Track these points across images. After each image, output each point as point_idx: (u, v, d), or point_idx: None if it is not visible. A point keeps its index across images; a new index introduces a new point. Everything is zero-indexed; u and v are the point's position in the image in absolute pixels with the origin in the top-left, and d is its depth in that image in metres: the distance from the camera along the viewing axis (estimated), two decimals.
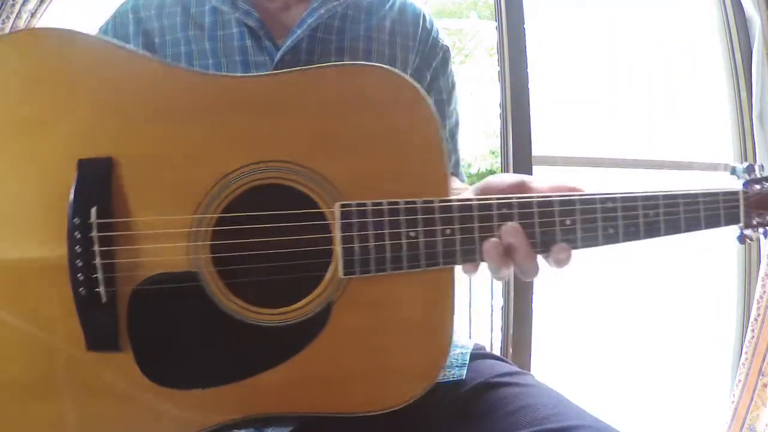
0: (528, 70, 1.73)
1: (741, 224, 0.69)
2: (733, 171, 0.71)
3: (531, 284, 1.69)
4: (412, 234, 0.61)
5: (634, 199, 0.64)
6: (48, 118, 0.62)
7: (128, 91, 0.64)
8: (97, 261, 0.60)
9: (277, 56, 0.76)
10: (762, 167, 0.72)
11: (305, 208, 0.62)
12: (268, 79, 0.66)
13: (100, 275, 0.60)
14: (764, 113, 1.83)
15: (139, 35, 0.79)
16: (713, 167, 2.02)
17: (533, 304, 1.69)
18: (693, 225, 0.66)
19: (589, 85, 2.02)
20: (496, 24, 1.79)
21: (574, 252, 0.63)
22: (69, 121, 0.63)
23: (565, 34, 2.04)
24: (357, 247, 0.61)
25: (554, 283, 1.85)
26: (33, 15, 1.39)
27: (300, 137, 0.62)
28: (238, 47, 0.77)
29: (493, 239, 0.61)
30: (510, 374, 0.73)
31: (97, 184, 0.61)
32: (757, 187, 0.70)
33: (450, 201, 0.61)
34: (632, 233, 0.64)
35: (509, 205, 0.62)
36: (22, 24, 1.38)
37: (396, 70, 0.62)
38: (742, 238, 0.71)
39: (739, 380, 1.76)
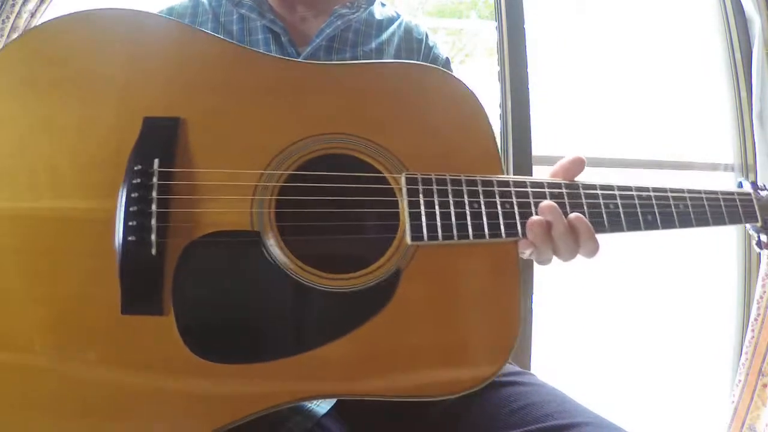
0: (528, 70, 1.73)
1: (759, 224, 0.75)
2: (740, 185, 0.77)
3: (531, 284, 1.69)
4: (475, 204, 0.64)
5: (664, 190, 0.70)
6: (116, 83, 0.63)
7: (200, 63, 0.65)
8: (153, 208, 0.58)
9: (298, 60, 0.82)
10: (765, 186, 0.78)
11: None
12: (341, 66, 0.71)
13: (153, 223, 0.57)
14: (764, 113, 1.83)
15: None
16: (713, 167, 2.02)
17: (533, 304, 1.69)
18: (718, 220, 0.72)
19: (589, 85, 2.02)
20: (496, 24, 1.79)
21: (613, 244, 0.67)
22: (138, 88, 0.63)
23: (564, 34, 2.04)
24: (423, 213, 0.63)
25: (554, 283, 1.85)
26: (33, 15, 1.39)
27: (371, 117, 0.66)
28: (264, 51, 0.81)
29: (537, 217, 0.64)
30: (514, 374, 0.74)
31: (161, 140, 0.60)
32: (766, 192, 0.76)
33: (506, 178, 0.66)
34: (668, 221, 0.69)
35: (558, 185, 0.67)
36: (22, 24, 1.38)
37: (453, 74, 0.69)
38: (760, 244, 0.76)
39: (739, 380, 1.76)
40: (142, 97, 0.62)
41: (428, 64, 0.72)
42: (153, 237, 0.57)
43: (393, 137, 0.65)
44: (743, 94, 1.92)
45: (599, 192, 0.68)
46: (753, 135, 1.87)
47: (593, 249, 0.65)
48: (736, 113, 1.95)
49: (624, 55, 2.04)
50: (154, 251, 0.57)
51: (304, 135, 0.64)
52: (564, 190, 0.67)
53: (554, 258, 0.67)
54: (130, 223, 0.57)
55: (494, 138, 0.68)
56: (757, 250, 0.78)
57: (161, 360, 0.57)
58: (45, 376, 0.56)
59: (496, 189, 0.65)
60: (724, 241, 1.99)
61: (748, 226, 0.77)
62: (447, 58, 0.95)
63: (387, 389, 0.59)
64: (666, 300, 2.01)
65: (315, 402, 0.69)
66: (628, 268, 1.98)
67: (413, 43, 0.92)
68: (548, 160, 1.77)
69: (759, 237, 0.77)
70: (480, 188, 0.64)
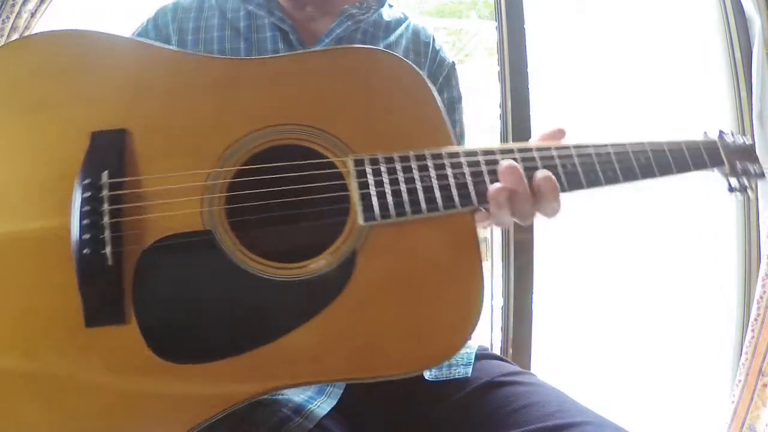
0: (528, 70, 1.73)
1: (727, 168, 0.74)
2: (705, 134, 0.78)
3: (531, 284, 1.69)
4: (426, 179, 0.63)
5: (623, 145, 0.70)
6: (61, 102, 0.63)
7: (139, 74, 0.66)
8: (106, 220, 0.58)
9: None
10: (733, 132, 0.79)
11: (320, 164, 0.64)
12: (276, 58, 0.71)
13: (107, 234, 0.58)
14: (764, 113, 1.83)
15: (175, 33, 0.85)
16: None
17: (533, 304, 1.69)
18: (682, 167, 0.72)
19: (589, 85, 2.02)
20: (496, 24, 1.79)
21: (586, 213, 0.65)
22: (84, 105, 0.63)
23: (564, 34, 2.04)
24: (374, 193, 0.62)
25: (554, 283, 1.85)
26: (33, 15, 1.39)
27: (312, 104, 0.66)
28: (271, 50, 0.83)
29: (497, 183, 0.63)
30: (514, 374, 0.74)
31: (110, 152, 0.61)
32: (730, 138, 0.76)
33: (456, 149, 0.65)
34: (630, 175, 0.68)
35: (511, 151, 0.66)
36: (22, 24, 1.38)
37: (397, 54, 0.69)
38: (732, 189, 0.75)
39: (739, 380, 1.76)
40: (88, 114, 0.63)
41: (366, 46, 0.72)
42: (108, 248, 0.57)
43: (338, 122, 0.65)
44: (743, 94, 1.92)
45: (554, 153, 0.66)
46: (753, 135, 1.87)
47: (555, 209, 0.64)
48: (736, 113, 1.95)
49: (624, 55, 2.03)
50: (110, 262, 0.57)
51: (249, 130, 0.64)
52: (517, 155, 0.66)
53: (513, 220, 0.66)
54: (84, 237, 0.57)
55: (441, 110, 0.67)
56: (730, 196, 0.77)
57: (129, 367, 0.57)
58: (18, 390, 0.57)
59: (446, 161, 0.64)
60: (724, 241, 1.99)
61: (717, 172, 0.76)
62: (453, 62, 0.95)
63: (356, 371, 0.60)
64: (666, 300, 2.01)
65: (315, 403, 0.69)
66: (629, 268, 1.98)
67: (420, 46, 0.92)
68: None
69: (729, 182, 0.76)
70: (429, 162, 0.64)
